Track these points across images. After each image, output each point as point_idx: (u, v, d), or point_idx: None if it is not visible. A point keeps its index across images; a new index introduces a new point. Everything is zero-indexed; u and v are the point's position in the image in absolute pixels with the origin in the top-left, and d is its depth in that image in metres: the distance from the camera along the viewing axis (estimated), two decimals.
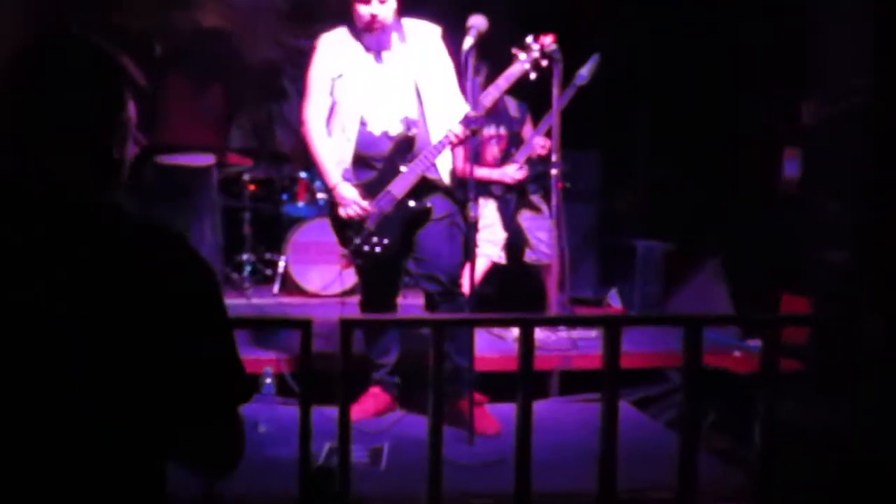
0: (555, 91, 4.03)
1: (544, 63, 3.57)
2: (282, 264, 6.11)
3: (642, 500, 2.97)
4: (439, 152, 3.49)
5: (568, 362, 4.20)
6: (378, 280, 3.74)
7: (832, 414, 2.97)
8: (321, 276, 5.97)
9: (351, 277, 4.91)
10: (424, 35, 3.57)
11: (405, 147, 3.52)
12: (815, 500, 2.89)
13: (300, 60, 7.25)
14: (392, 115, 3.53)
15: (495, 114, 4.79)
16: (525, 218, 5.11)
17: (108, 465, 1.20)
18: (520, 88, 3.97)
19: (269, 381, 3.70)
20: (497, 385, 3.69)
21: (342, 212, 3.50)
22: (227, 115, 5.33)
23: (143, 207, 5.04)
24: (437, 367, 2.63)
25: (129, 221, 1.25)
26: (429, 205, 3.54)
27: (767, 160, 5.16)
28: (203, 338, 1.26)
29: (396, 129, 3.52)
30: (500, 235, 4.96)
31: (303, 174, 6.48)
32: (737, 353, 4.31)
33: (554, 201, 4.37)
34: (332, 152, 3.54)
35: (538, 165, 4.97)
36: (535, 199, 5.12)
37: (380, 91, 3.52)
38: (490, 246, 4.90)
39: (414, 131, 3.53)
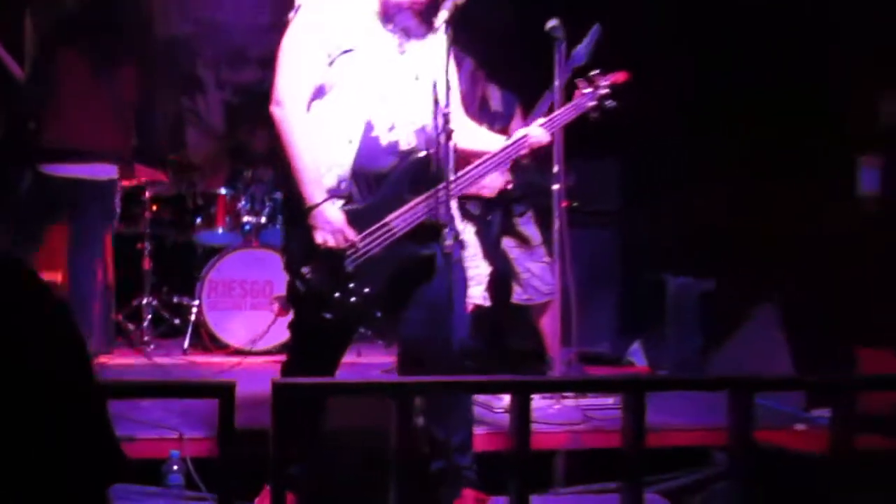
0: (557, 82, 4.16)
1: (609, 105, 3.79)
2: (194, 311, 6.09)
3: None
4: (482, 177, 3.55)
5: (577, 440, 4.18)
6: (330, 341, 3.66)
7: None
8: (246, 327, 5.94)
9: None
10: (437, 25, 3.55)
11: (418, 170, 3.46)
12: None
13: (219, 39, 7.37)
14: (408, 124, 3.48)
15: (474, 108, 4.84)
16: (511, 246, 5.13)
17: None
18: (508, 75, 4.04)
19: (175, 468, 3.66)
20: (482, 471, 3.67)
21: (320, 238, 3.38)
22: (136, 110, 5.15)
23: (12, 229, 4.98)
24: (402, 455, 2.60)
25: None
26: (432, 252, 3.46)
27: (838, 172, 5.22)
28: (47, 404, 1.23)
29: (409, 143, 3.48)
30: (483, 270, 4.97)
31: (222, 190, 6.47)
32: (800, 427, 4.32)
33: (556, 227, 4.39)
34: (319, 156, 3.43)
35: (527, 174, 4.98)
36: (524, 223, 5.13)
37: (398, 90, 3.48)
38: (471, 285, 4.90)
39: (431, 152, 3.47)
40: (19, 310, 1.24)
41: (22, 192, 4.87)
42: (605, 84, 3.79)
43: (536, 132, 3.63)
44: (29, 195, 4.87)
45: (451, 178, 3.37)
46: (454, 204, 3.65)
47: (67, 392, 1.25)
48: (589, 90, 3.79)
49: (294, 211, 3.48)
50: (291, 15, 3.51)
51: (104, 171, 4.92)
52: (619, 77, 3.85)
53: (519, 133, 3.68)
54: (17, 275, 1.27)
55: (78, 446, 1.26)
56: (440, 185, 3.39)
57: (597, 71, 3.87)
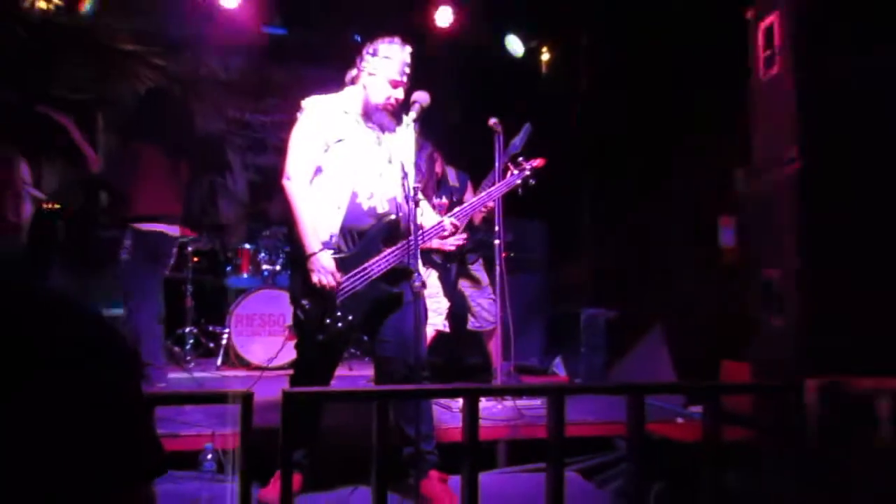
0: (497, 165, 4.20)
1: (532, 182, 3.88)
2: (225, 337, 6.04)
3: None
4: (430, 239, 3.56)
5: (515, 432, 4.16)
6: (324, 357, 3.63)
7: (779, 483, 2.98)
8: (264, 349, 5.90)
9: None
10: (407, 122, 3.62)
11: (390, 228, 3.51)
12: None
13: (245, 132, 7.38)
14: (382, 195, 3.53)
15: (433, 182, 4.89)
16: (465, 286, 5.15)
17: None
18: (461, 159, 4.08)
19: (209, 457, 3.59)
20: (443, 456, 3.63)
21: (315, 278, 3.37)
22: (186, 186, 5.29)
23: (123, 273, 4.95)
24: (381, 445, 2.57)
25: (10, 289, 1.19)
26: (400, 290, 3.49)
27: (705, 229, 5.29)
28: (101, 412, 1.20)
29: (384, 209, 3.52)
30: (444, 304, 4.97)
31: (246, 245, 6.46)
32: (680, 421, 4.32)
33: (498, 271, 4.41)
34: (316, 217, 3.44)
35: (478, 233, 5.03)
36: (475, 268, 5.17)
37: (375, 169, 3.53)
38: (435, 315, 4.89)
39: (400, 215, 3.52)
40: (80, 337, 1.21)
41: (124, 246, 4.88)
42: (528, 167, 3.85)
43: (446, 222, 3.64)
44: (132, 248, 4.88)
45: (413, 235, 3.35)
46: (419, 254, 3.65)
47: (117, 400, 1.19)
48: (516, 172, 3.85)
49: (296, 258, 3.48)
50: (298, 114, 3.56)
51: (173, 230, 5.03)
52: (539, 163, 3.90)
53: (441, 219, 3.70)
54: (78, 310, 1.24)
55: (126, 446, 1.20)
56: (405, 240, 3.43)
57: (521, 157, 3.94)
